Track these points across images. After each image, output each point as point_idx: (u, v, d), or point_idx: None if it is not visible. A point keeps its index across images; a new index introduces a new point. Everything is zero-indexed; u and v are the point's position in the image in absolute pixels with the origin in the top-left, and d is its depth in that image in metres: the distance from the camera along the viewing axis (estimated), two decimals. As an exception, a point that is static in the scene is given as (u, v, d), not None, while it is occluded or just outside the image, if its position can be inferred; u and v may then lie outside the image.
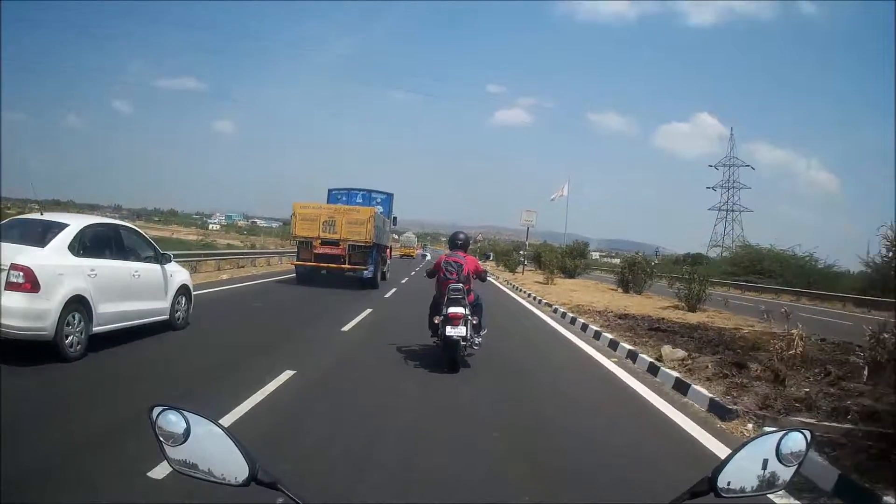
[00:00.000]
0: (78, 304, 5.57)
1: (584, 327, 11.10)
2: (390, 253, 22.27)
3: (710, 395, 5.68)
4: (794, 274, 33.69)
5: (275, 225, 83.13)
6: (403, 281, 20.99)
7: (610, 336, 9.53)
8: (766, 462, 1.09)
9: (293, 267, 16.80)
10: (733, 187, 76.90)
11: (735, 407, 5.30)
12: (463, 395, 5.64)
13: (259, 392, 4.94)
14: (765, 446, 1.10)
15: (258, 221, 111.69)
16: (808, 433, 1.13)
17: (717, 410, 5.35)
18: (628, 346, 8.49)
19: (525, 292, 20.13)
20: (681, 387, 6.23)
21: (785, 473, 1.10)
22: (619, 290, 21.28)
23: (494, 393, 5.92)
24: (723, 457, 1.13)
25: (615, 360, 8.01)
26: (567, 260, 30.52)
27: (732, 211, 76.54)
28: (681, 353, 7.76)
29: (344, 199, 18.12)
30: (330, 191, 18.84)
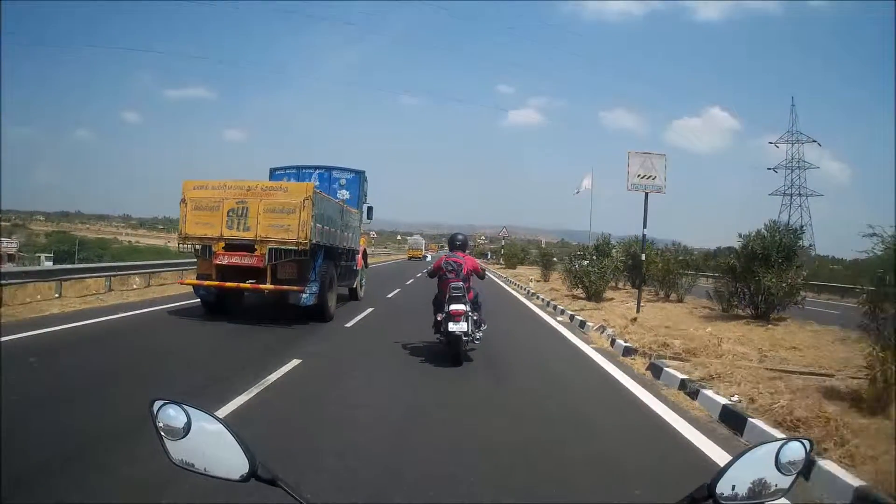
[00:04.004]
0: None
1: None
2: (364, 260, 14.14)
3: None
4: None
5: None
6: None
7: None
8: (765, 470, 1.10)
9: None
10: (798, 167, 62.70)
11: None
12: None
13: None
14: (764, 454, 1.11)
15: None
16: (807, 442, 1.13)
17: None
18: None
19: None
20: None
21: (784, 482, 1.11)
22: None
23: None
24: None
25: None
26: (768, 273, 10.73)
27: (799, 195, 62.66)
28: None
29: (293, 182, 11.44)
30: (272, 171, 12.63)
